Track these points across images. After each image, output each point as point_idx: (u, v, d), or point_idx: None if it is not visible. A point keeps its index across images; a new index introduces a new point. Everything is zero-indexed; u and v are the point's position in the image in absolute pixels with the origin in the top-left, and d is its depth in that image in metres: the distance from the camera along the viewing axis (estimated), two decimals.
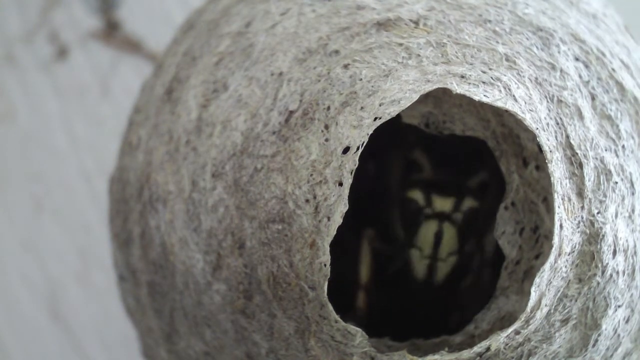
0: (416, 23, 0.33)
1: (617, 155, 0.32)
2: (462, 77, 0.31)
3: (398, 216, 0.38)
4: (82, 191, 0.56)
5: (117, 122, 0.48)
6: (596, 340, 0.32)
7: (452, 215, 0.36)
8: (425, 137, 0.35)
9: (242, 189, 0.32)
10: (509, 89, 0.31)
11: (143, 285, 0.36)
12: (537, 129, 0.31)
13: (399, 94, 0.31)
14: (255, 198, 0.31)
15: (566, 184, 0.31)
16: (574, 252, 0.31)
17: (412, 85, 0.31)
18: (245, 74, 0.33)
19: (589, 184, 0.31)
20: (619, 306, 0.32)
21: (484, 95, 0.31)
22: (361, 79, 0.31)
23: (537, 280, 0.30)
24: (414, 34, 0.32)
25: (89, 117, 0.57)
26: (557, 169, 0.31)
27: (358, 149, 0.30)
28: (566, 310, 0.31)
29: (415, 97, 0.30)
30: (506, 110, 0.31)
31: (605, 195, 0.32)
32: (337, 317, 0.30)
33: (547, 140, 0.31)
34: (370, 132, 0.30)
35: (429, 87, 0.31)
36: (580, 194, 0.31)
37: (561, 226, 0.30)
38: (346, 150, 0.30)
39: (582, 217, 0.31)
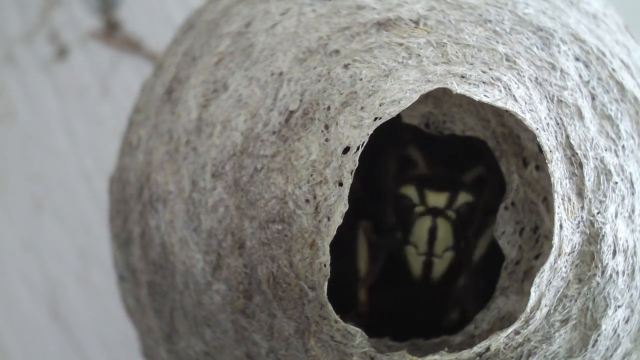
0: (416, 23, 0.33)
1: (617, 156, 0.32)
2: (462, 77, 0.31)
3: (392, 213, 0.37)
4: (82, 191, 0.56)
5: (117, 122, 0.48)
6: (596, 341, 0.32)
7: (446, 210, 0.35)
8: (422, 135, 0.35)
9: (242, 189, 0.32)
10: (509, 89, 0.31)
11: (143, 285, 0.36)
12: (537, 129, 0.31)
13: (399, 94, 0.31)
14: (255, 198, 0.31)
15: (566, 184, 0.31)
16: (573, 252, 0.31)
17: (412, 85, 0.31)
18: (245, 74, 0.33)
19: (589, 184, 0.31)
20: (619, 306, 0.32)
21: (484, 95, 0.31)
22: (361, 79, 0.31)
23: (536, 280, 0.30)
24: (414, 33, 0.32)
25: (89, 117, 0.57)
26: (557, 169, 0.31)
27: (358, 149, 0.30)
28: (566, 311, 0.31)
29: (416, 97, 0.30)
30: (506, 110, 0.31)
31: (605, 196, 0.32)
32: (337, 317, 0.30)
33: (547, 141, 0.31)
34: (371, 132, 0.30)
35: (429, 87, 0.31)
36: (580, 194, 0.31)
37: (561, 226, 0.30)
38: (346, 150, 0.30)
39: (582, 217, 0.31)
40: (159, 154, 0.35)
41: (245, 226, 0.32)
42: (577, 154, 0.31)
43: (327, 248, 0.30)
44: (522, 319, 0.30)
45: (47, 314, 0.54)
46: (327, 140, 0.31)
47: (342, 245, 0.33)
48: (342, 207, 0.30)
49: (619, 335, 0.33)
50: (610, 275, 0.32)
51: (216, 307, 0.33)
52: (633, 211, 0.32)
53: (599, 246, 0.31)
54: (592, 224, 0.31)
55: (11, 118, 0.58)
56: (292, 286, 0.31)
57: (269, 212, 0.31)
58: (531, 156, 0.33)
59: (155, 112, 0.36)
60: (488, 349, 0.30)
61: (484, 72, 0.32)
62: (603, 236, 0.31)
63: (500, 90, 0.31)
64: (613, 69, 0.33)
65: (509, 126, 0.33)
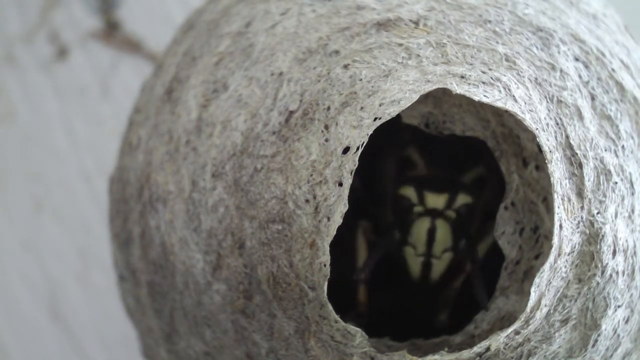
0: (416, 23, 0.33)
1: (616, 156, 0.32)
2: (462, 77, 0.31)
3: (391, 213, 0.37)
4: (82, 191, 0.56)
5: (117, 122, 0.48)
6: (596, 341, 0.32)
7: (445, 211, 0.35)
8: (422, 135, 0.35)
9: (242, 189, 0.32)
10: (509, 89, 0.31)
11: (143, 285, 0.36)
12: (537, 129, 0.31)
13: (399, 94, 0.31)
14: (255, 198, 0.31)
15: (566, 184, 0.31)
16: (573, 252, 0.31)
17: (412, 86, 0.31)
18: (245, 74, 0.33)
19: (588, 184, 0.31)
20: (619, 306, 0.32)
21: (484, 96, 0.31)
22: (361, 79, 0.31)
23: (536, 280, 0.30)
24: (414, 34, 0.32)
25: (89, 117, 0.57)
26: (557, 169, 0.31)
27: (358, 149, 0.30)
28: (566, 311, 0.31)
29: (415, 97, 0.30)
30: (506, 111, 0.31)
31: (605, 196, 0.32)
32: (337, 317, 0.30)
33: (547, 141, 0.31)
34: (370, 132, 0.30)
35: (429, 88, 0.31)
36: (580, 194, 0.31)
37: (561, 226, 0.30)
38: (346, 150, 0.30)
39: (582, 217, 0.31)
40: (159, 154, 0.35)
41: (245, 226, 0.32)
42: (576, 154, 0.31)
43: (327, 248, 0.30)
44: (522, 319, 0.30)
45: (47, 314, 0.54)
46: (327, 140, 0.31)
47: (342, 245, 0.33)
48: (342, 207, 0.30)
49: (619, 335, 0.33)
50: (610, 275, 0.32)
51: (216, 307, 0.33)
52: (633, 211, 0.32)
53: (598, 246, 0.31)
54: (592, 224, 0.31)
55: (11, 118, 0.58)
56: (292, 286, 0.31)
57: (269, 212, 0.31)
58: (531, 156, 0.33)
59: (155, 112, 0.36)
60: (488, 349, 0.30)
61: (483, 72, 0.32)
62: (603, 236, 0.31)
63: (499, 91, 0.31)
64: (613, 69, 0.33)
65: (508, 126, 0.33)
